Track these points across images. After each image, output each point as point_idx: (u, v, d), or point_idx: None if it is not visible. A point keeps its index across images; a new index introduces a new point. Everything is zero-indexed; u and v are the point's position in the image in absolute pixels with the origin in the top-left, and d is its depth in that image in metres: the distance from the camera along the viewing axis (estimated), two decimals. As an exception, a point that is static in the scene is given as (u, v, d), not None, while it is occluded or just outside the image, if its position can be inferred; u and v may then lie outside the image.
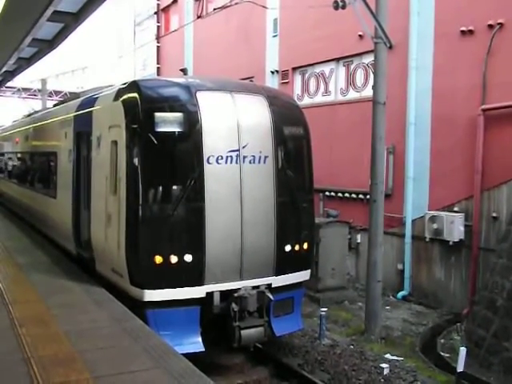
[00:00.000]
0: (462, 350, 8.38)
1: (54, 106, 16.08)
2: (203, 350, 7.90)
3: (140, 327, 6.73)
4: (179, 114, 8.01)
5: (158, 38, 26.21)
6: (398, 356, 9.95)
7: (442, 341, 10.98)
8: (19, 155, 18.14)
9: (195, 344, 7.90)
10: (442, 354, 10.29)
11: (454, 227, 12.31)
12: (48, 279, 9.05)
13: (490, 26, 11.89)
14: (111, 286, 8.54)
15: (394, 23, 12.30)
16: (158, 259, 7.69)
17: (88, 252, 9.61)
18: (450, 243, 12.50)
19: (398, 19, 13.32)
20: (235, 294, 8.04)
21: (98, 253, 9.15)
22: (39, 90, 36.45)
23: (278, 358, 9.29)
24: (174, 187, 7.96)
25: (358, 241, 14.90)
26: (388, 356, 9.84)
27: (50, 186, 12.79)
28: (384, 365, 9.09)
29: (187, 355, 6.01)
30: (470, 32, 12.32)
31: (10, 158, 19.96)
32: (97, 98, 10.15)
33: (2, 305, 7.49)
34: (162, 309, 7.77)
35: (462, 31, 12.42)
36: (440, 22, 13.04)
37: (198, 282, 7.91)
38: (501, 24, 11.70)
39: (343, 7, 10.56)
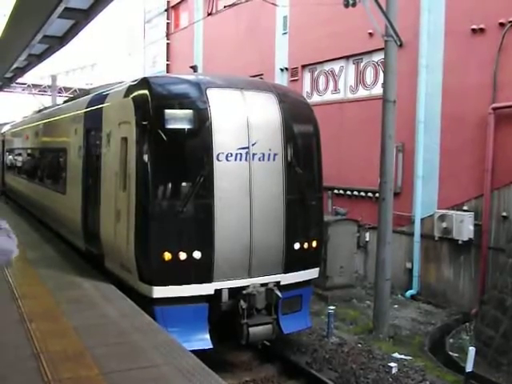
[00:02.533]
0: (471, 350, 8.34)
1: (65, 102, 16.14)
2: (211, 347, 7.91)
3: (148, 323, 6.75)
4: (189, 111, 8.01)
5: (167, 35, 26.21)
6: (406, 355, 9.91)
7: (451, 340, 10.94)
8: (29, 151, 18.20)
9: (203, 341, 7.91)
10: (451, 353, 10.25)
11: (464, 226, 12.23)
12: (57, 274, 9.09)
13: (501, 25, 11.79)
14: (120, 282, 8.57)
15: (405, 21, 12.24)
16: (167, 256, 7.69)
17: (97, 248, 9.64)
18: (459, 242, 12.43)
19: (409, 17, 13.24)
20: (244, 292, 8.05)
21: (107, 249, 9.17)
22: (49, 87, 36.68)
23: (285, 356, 9.29)
24: (184, 184, 7.95)
25: (367, 239, 14.84)
26: (396, 355, 9.79)
27: (60, 182, 12.84)
28: (392, 364, 9.05)
29: (195, 352, 6.01)
30: (481, 30, 12.22)
31: (19, 154, 20.04)
32: (107, 94, 10.17)
33: (11, 299, 7.54)
34: (170, 305, 7.78)
35: (473, 29, 12.33)
36: (451, 20, 12.95)
37: (207, 278, 7.91)
38: (512, 22, 11.64)
39: (353, 5, 10.52)
